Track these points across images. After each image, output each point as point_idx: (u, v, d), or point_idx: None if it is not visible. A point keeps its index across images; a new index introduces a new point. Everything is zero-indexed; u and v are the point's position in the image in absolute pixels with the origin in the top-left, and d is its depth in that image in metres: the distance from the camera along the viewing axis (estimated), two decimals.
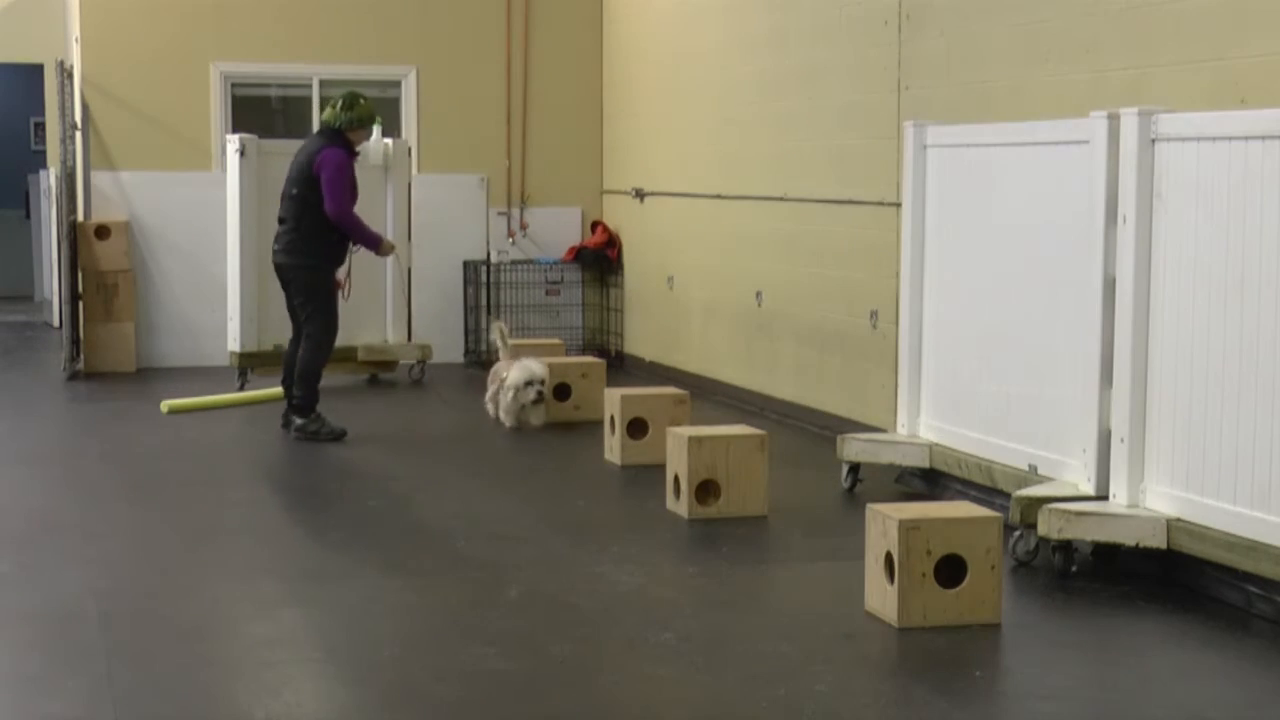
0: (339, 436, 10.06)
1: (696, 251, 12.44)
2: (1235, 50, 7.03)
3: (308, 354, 10.08)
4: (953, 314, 8.23)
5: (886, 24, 9.69)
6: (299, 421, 10.12)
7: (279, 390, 11.83)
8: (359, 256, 10.51)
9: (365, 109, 10.18)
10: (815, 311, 10.60)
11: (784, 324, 11.04)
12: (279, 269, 10.18)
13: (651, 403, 9.40)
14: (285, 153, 12.42)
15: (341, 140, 10.10)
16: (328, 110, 10.26)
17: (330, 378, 12.47)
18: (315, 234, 10.01)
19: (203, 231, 13.14)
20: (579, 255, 14.06)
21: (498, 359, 10.89)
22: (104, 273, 13.06)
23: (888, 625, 6.06)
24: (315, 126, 13.68)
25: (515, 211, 14.06)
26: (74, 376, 12.80)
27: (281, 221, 10.15)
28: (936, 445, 8.23)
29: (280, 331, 12.17)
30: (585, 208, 14.29)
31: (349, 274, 10.54)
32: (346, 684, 5.59)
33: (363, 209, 12.49)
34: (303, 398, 10.13)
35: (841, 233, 10.26)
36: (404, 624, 6.36)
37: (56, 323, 15.30)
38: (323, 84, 13.79)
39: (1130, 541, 6.64)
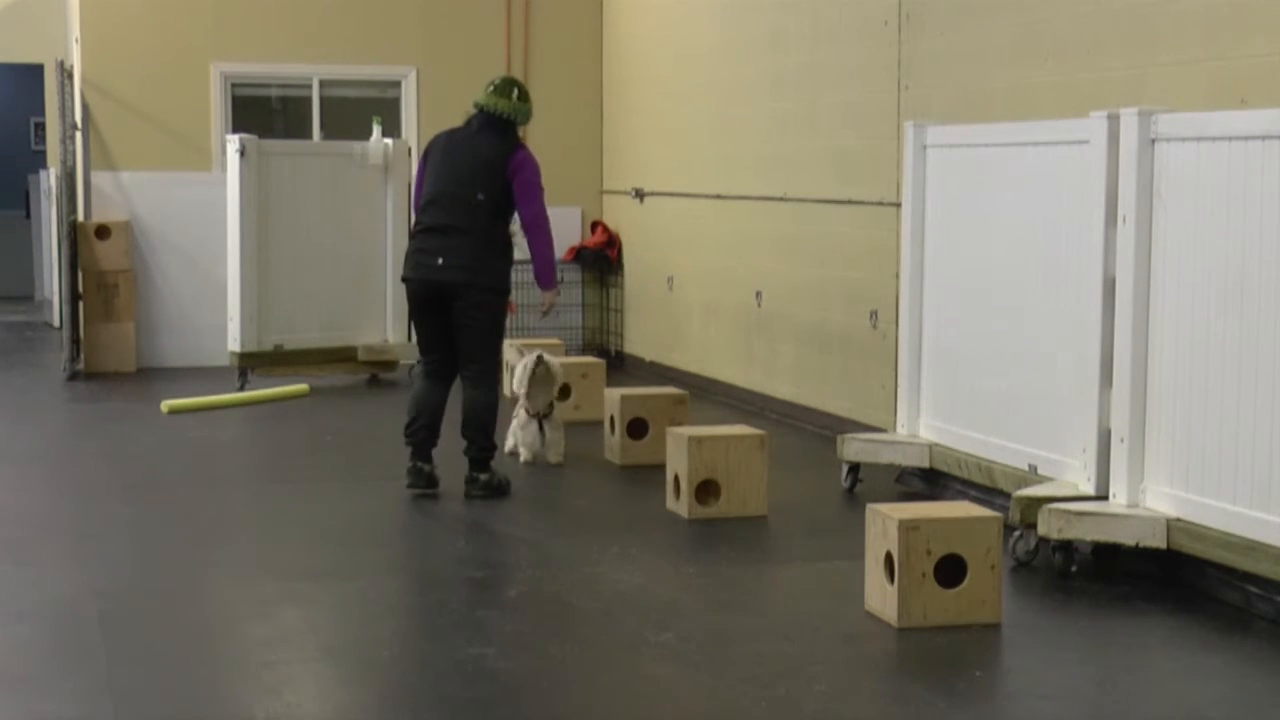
0: (508, 486, 8.56)
1: (696, 251, 12.44)
2: (1235, 50, 7.03)
3: (489, 395, 8.36)
4: (953, 313, 8.23)
5: (886, 24, 9.69)
6: (484, 477, 8.36)
7: (279, 390, 11.87)
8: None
9: (531, 102, 8.62)
10: (815, 311, 10.60)
11: (784, 324, 11.04)
12: (444, 287, 8.21)
13: (651, 403, 9.40)
14: (286, 153, 12.50)
15: (520, 139, 8.53)
16: (499, 99, 8.40)
17: (330, 378, 12.54)
18: (502, 251, 8.33)
19: (203, 231, 13.14)
20: (579, 255, 14.06)
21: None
22: (104, 273, 13.07)
23: (888, 625, 6.06)
24: (316, 125, 13.75)
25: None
26: (74, 376, 12.80)
27: (443, 231, 8.24)
28: (936, 445, 8.23)
29: (280, 331, 12.22)
30: (585, 208, 14.29)
31: None
32: (346, 684, 5.59)
33: (364, 210, 12.63)
34: (490, 449, 8.38)
35: (841, 233, 10.26)
36: (404, 624, 6.36)
37: (56, 323, 15.30)
38: (323, 84, 13.81)
39: (1130, 541, 6.64)
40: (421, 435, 8.31)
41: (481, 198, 8.23)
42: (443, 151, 8.46)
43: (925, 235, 8.41)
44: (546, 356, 9.18)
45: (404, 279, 8.45)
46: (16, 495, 8.67)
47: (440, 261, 8.22)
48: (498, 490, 8.41)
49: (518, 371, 9.27)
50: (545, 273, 8.43)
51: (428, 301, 8.31)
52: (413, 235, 8.51)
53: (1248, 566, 6.17)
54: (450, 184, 8.31)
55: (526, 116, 8.48)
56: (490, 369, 8.44)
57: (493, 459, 8.46)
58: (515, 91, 8.42)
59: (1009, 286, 7.73)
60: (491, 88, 8.46)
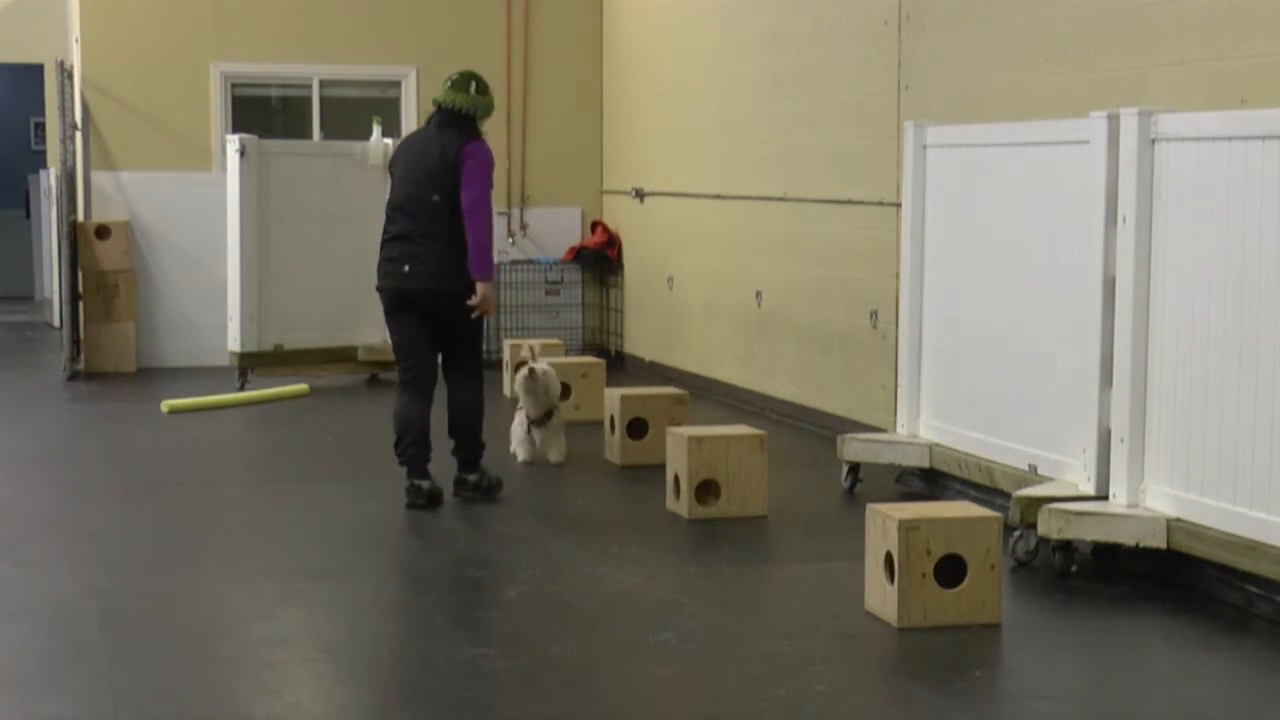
0: (499, 485, 8.50)
1: (696, 251, 12.44)
2: (1235, 50, 7.03)
3: (476, 396, 8.32)
4: (953, 314, 8.23)
5: (886, 24, 9.69)
6: (473, 478, 8.35)
7: (279, 390, 11.87)
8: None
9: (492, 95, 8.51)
10: (815, 311, 10.60)
11: (784, 324, 11.04)
12: (415, 294, 8.16)
13: (651, 403, 9.40)
14: (286, 153, 12.50)
15: (478, 132, 8.29)
16: (457, 94, 8.25)
17: (330, 378, 12.54)
18: (465, 250, 8.14)
19: (203, 231, 13.13)
20: (579, 255, 14.06)
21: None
22: (104, 273, 13.07)
23: (888, 625, 6.06)
24: (316, 125, 13.75)
25: (515, 211, 14.06)
26: (74, 376, 12.80)
27: (407, 238, 8.19)
28: (936, 445, 8.23)
29: (280, 331, 12.21)
30: (585, 208, 14.29)
31: None
32: (346, 684, 5.60)
33: (364, 210, 12.62)
34: (478, 449, 8.36)
35: (841, 233, 10.26)
36: (404, 624, 6.36)
37: (56, 323, 15.30)
38: (323, 84, 13.81)
39: (1130, 541, 6.64)
40: (413, 452, 8.14)
41: (437, 199, 8.10)
42: (404, 156, 8.37)
43: (925, 235, 8.41)
44: (539, 369, 9.18)
45: (377, 288, 8.39)
46: (16, 495, 8.66)
47: (406, 269, 8.16)
48: (488, 490, 8.37)
49: (518, 376, 9.29)
50: (479, 259, 8.09)
51: (400, 306, 8.24)
52: (382, 244, 8.39)
53: (1248, 566, 6.17)
54: (411, 188, 8.20)
55: (487, 110, 8.32)
56: (476, 369, 8.38)
57: (481, 458, 8.42)
58: (473, 85, 8.27)
59: (1009, 286, 7.73)
60: (449, 83, 8.31)
